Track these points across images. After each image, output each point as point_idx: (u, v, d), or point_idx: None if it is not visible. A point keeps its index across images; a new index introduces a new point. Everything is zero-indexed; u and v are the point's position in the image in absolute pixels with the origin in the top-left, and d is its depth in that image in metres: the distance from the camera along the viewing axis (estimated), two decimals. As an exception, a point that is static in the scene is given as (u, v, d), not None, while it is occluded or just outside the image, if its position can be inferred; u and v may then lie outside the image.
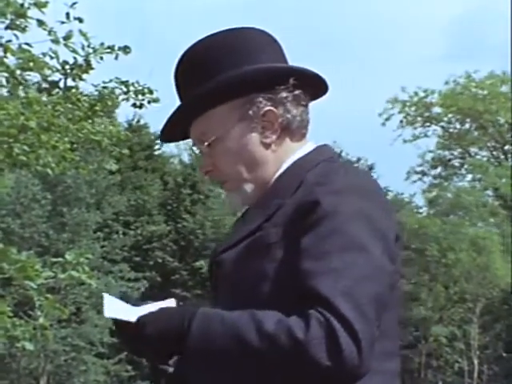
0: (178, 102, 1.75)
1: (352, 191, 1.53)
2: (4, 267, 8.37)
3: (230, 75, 1.64)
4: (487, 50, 59.08)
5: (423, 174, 34.89)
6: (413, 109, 34.00)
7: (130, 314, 1.54)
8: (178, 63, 1.72)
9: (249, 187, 1.67)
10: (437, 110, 34.53)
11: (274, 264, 1.54)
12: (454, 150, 35.22)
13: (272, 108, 1.66)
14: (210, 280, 1.71)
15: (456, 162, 35.31)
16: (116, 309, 1.55)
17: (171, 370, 1.55)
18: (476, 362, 30.94)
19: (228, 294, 1.60)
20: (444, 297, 30.54)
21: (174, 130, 1.75)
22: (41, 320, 8.52)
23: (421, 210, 35.31)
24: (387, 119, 33.69)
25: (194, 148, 1.74)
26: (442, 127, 35.10)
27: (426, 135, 34.75)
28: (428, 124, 34.57)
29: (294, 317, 1.43)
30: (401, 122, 33.95)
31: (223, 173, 1.69)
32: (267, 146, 1.67)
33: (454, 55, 61.62)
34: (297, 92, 1.67)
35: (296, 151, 1.68)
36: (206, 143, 1.68)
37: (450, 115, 34.08)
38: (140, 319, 1.52)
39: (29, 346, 8.76)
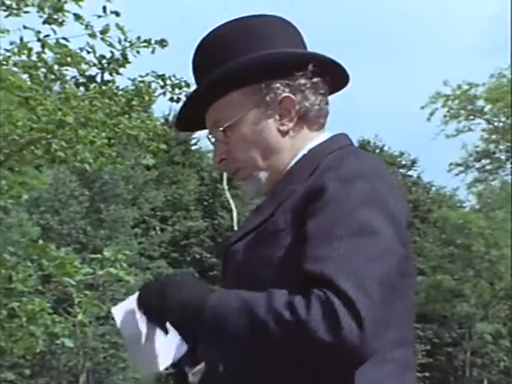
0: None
1: (362, 175, 1.50)
2: (43, 264, 8.36)
3: (247, 59, 1.60)
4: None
5: (467, 166, 34.31)
6: (456, 102, 33.44)
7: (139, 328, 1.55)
8: (196, 50, 1.68)
9: (263, 175, 1.64)
10: (481, 103, 33.93)
11: (283, 250, 1.53)
12: (500, 144, 34.57)
13: (290, 95, 1.61)
14: (221, 272, 1.68)
15: (502, 155, 34.66)
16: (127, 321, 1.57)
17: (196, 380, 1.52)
18: (522, 360, 30.47)
19: (237, 283, 1.58)
20: (489, 293, 30.07)
21: (191, 117, 1.70)
22: (80, 317, 8.49)
23: (464, 205, 34.88)
24: (432, 114, 33.13)
25: (210, 137, 1.68)
26: (487, 120, 34.49)
27: (470, 129, 34.17)
28: (472, 117, 33.98)
29: (298, 296, 1.43)
30: (444, 116, 33.38)
31: (237, 160, 1.64)
32: (284, 133, 1.62)
33: (496, 50, 60.85)
34: (315, 80, 1.62)
35: (313, 140, 1.64)
36: (221, 128, 1.63)
37: (495, 109, 33.44)
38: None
39: (68, 343, 8.74)
